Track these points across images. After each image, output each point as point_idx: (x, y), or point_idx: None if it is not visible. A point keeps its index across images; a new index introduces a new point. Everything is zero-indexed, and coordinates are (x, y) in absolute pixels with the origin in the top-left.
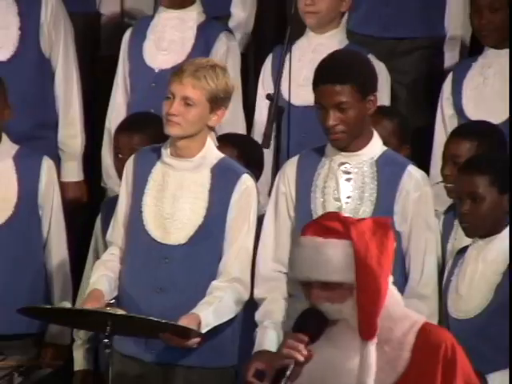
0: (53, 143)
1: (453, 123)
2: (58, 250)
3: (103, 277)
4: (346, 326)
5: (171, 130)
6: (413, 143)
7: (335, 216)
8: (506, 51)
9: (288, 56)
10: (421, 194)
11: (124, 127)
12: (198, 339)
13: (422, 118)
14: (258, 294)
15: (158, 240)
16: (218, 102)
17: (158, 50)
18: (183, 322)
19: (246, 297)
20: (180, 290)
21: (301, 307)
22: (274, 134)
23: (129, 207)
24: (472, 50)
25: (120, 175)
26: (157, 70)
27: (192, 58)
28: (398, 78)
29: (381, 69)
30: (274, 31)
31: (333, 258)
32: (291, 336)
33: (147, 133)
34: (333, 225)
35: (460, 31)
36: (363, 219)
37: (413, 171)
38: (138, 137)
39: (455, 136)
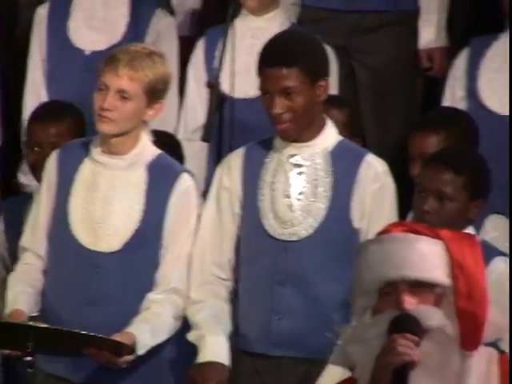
0: None
1: (462, 107)
2: None
3: (21, 294)
4: (443, 336)
5: (104, 128)
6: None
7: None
8: None
9: (229, 40)
10: (381, 185)
11: (39, 117)
12: (130, 357)
13: (393, 105)
14: (194, 296)
15: (88, 247)
16: (155, 94)
17: (90, 30)
18: (115, 338)
19: (185, 309)
20: (113, 303)
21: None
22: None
23: (51, 210)
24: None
25: (34, 171)
26: (87, 53)
27: (126, 40)
28: (361, 60)
29: (329, 53)
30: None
31: (427, 254)
32: (399, 336)
33: (65, 124)
34: (418, 227)
35: (436, 5)
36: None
37: (371, 161)
38: (54, 128)
39: (419, 130)
